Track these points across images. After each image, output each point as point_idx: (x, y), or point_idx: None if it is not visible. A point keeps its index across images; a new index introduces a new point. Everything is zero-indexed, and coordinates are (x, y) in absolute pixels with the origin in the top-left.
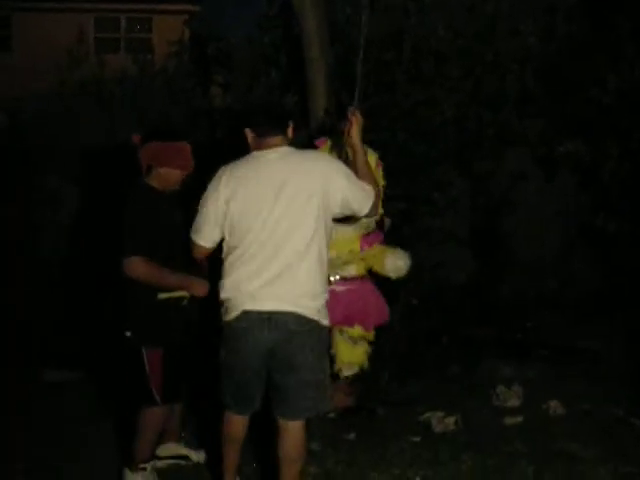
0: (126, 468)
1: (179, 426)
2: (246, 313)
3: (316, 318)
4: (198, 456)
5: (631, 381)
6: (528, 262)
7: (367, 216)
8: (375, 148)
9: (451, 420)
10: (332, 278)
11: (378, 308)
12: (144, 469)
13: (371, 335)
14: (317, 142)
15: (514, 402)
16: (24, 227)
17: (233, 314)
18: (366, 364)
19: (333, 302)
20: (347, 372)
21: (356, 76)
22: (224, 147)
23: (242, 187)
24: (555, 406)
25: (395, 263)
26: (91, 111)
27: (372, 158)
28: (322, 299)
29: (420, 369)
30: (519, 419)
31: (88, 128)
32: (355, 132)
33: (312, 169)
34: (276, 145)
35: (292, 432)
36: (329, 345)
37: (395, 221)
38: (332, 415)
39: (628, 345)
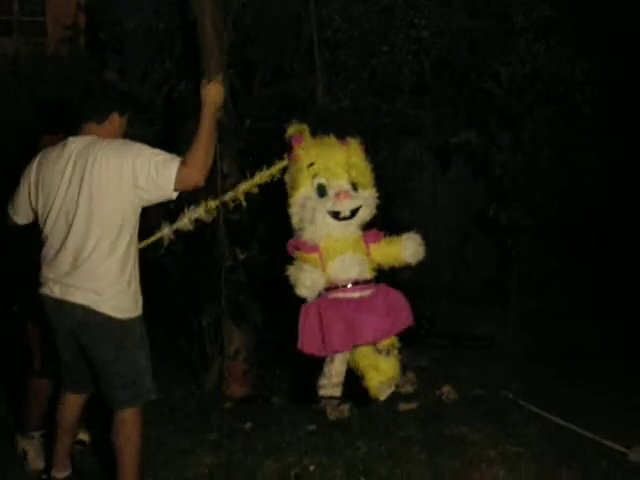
0: (18, 433)
1: None
2: (45, 296)
3: (105, 311)
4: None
5: (521, 364)
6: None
7: (183, 190)
8: (272, 138)
9: (346, 407)
10: (344, 285)
11: (405, 307)
12: (32, 437)
13: (397, 341)
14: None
15: (408, 389)
16: None
17: (40, 293)
18: (399, 377)
19: (355, 312)
20: (388, 390)
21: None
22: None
23: (44, 175)
24: (448, 392)
25: (415, 247)
26: None
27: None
28: (112, 292)
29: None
30: (413, 405)
31: None
32: (211, 93)
33: (106, 157)
34: (90, 133)
35: (117, 420)
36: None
37: None
38: (228, 405)
39: (521, 330)
